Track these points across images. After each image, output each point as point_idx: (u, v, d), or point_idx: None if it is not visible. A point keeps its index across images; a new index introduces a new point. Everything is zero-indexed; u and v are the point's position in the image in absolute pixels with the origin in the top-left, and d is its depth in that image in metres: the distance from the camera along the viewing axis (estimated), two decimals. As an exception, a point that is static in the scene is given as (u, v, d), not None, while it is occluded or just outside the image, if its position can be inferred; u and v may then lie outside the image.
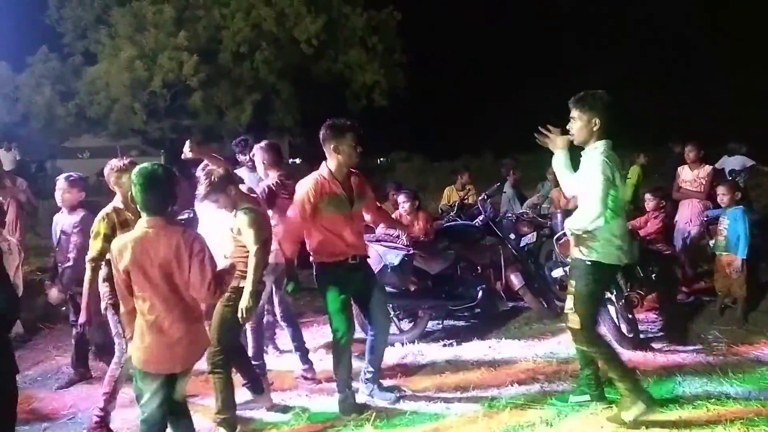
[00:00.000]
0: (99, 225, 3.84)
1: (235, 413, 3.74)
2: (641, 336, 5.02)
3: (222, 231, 3.82)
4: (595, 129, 3.53)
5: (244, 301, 3.59)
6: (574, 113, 3.57)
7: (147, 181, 2.80)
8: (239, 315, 3.60)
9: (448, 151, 19.89)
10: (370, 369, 4.20)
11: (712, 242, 5.66)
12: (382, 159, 24.11)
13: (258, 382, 4.20)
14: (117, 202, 3.98)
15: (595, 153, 3.52)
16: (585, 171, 3.55)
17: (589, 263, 3.57)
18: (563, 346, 5.05)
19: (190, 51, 15.52)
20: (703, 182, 6.37)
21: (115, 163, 4.10)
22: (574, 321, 3.60)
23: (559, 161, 3.72)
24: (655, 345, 4.94)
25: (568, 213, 6.24)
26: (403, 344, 5.25)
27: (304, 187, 3.91)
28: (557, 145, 3.70)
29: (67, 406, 4.39)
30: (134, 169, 2.93)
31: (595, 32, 21.75)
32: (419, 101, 21.73)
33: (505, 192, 8.10)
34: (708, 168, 6.49)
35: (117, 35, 15.57)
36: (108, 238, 3.63)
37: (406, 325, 5.53)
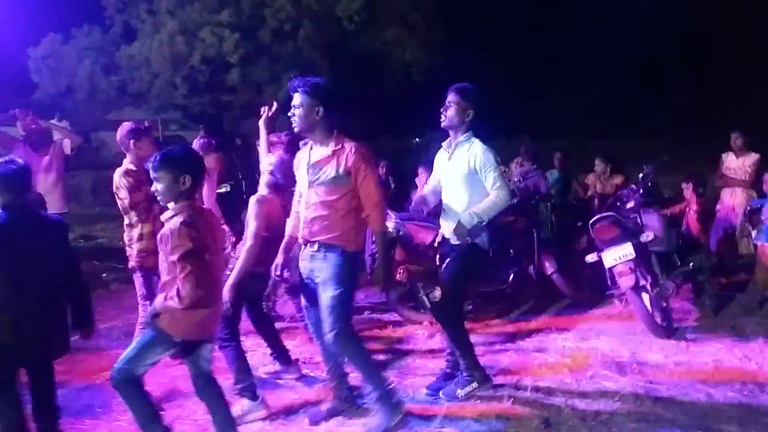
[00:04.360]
0: (123, 180, 4.09)
1: (253, 380, 3.79)
2: (675, 325, 4.93)
3: None
4: (467, 119, 3.71)
5: (224, 294, 3.49)
6: (453, 99, 3.72)
7: None
8: None
9: (485, 131, 19.61)
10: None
11: (754, 232, 5.50)
12: (417, 139, 23.94)
13: (286, 353, 4.28)
14: (129, 164, 4.14)
15: (477, 143, 3.70)
16: (466, 161, 3.70)
17: (471, 246, 3.70)
18: (594, 332, 5.02)
19: (232, 28, 15.59)
20: (749, 170, 6.19)
21: (132, 125, 4.24)
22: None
23: None
24: (689, 335, 4.84)
25: (604, 197, 6.20)
26: (432, 323, 5.27)
27: None
28: None
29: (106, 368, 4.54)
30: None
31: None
32: (458, 80, 21.37)
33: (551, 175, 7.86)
34: (755, 156, 6.30)
35: (158, 11, 15.72)
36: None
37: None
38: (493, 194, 3.64)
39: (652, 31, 20.26)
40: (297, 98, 3.34)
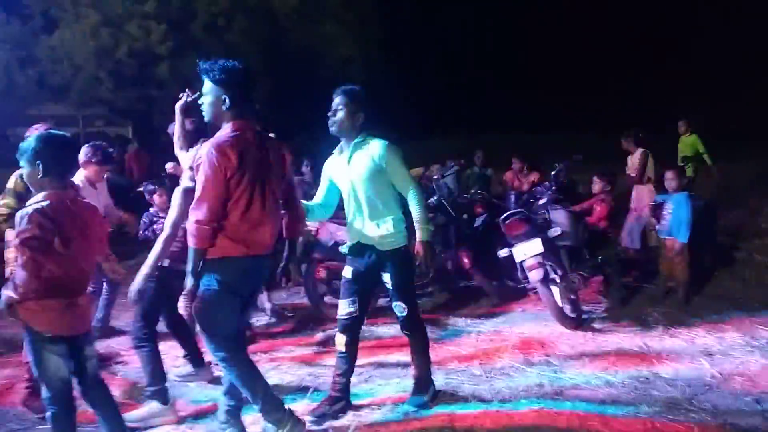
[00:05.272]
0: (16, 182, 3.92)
1: (166, 385, 3.73)
2: (584, 316, 5.12)
3: None
4: (357, 122, 3.53)
5: (135, 283, 3.42)
6: (341, 101, 3.52)
7: None
8: (128, 296, 3.47)
9: (419, 130, 19.85)
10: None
11: (657, 226, 5.77)
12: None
13: (199, 355, 4.21)
14: None
15: (376, 142, 3.53)
16: (369, 162, 3.50)
17: (405, 249, 3.57)
18: (507, 324, 5.17)
19: (159, 20, 15.20)
20: (636, 167, 6.62)
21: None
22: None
23: None
24: (596, 325, 5.04)
25: (520, 194, 6.38)
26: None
27: None
28: None
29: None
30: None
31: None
32: (396, 77, 21.49)
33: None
34: (639, 151, 6.73)
35: (80, 2, 15.14)
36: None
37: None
38: (411, 195, 3.52)
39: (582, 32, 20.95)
40: (205, 85, 3.05)
